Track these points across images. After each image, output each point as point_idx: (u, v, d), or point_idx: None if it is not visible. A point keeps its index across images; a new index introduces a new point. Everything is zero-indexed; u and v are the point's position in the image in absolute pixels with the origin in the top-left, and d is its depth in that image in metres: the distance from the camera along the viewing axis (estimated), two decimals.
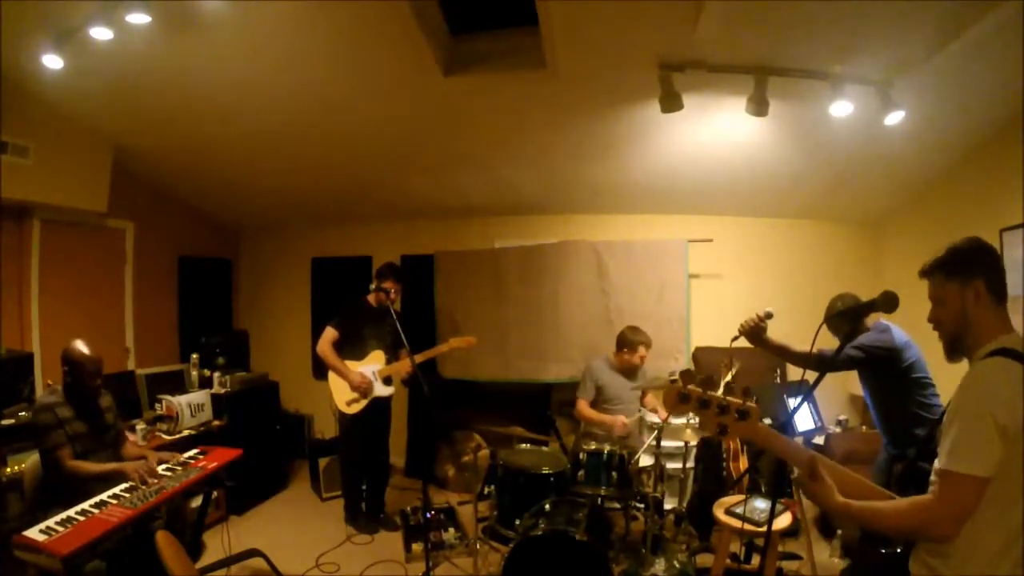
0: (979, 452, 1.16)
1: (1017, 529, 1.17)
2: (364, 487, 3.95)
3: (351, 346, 3.80)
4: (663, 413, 3.72)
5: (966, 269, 1.36)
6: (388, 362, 3.86)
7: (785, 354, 2.47)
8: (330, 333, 3.76)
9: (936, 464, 1.25)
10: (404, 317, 3.54)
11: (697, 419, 1.50)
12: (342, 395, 3.73)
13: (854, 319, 2.40)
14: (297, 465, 4.91)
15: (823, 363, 2.27)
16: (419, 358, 3.59)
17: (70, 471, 2.49)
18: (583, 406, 3.76)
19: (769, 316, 2.30)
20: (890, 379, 2.51)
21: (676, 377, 3.73)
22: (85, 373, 2.62)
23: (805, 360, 2.46)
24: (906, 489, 1.38)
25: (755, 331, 2.32)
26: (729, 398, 1.42)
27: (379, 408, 3.86)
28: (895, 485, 1.30)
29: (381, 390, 3.82)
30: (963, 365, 1.41)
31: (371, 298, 3.86)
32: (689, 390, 1.44)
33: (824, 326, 1.89)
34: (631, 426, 3.64)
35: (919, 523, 1.23)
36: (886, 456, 2.60)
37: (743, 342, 2.36)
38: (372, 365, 3.80)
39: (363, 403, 3.73)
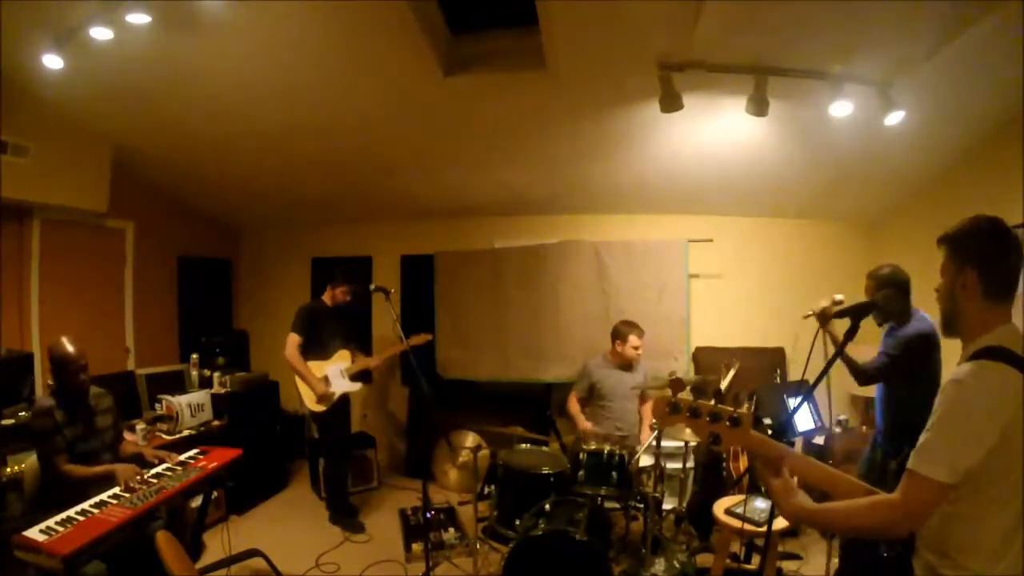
0: (946, 458, 1.15)
1: (1015, 527, 1.17)
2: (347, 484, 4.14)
3: (315, 347, 3.90)
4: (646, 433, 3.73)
5: (963, 253, 1.29)
6: (354, 359, 4.04)
7: (842, 356, 2.35)
8: (294, 339, 3.86)
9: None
10: (404, 317, 3.58)
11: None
12: (311, 395, 3.84)
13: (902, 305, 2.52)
14: (297, 465, 4.90)
15: (867, 376, 2.46)
16: (376, 359, 4.15)
17: (64, 475, 2.50)
18: (571, 401, 3.92)
19: (839, 304, 2.50)
20: (918, 373, 2.46)
21: (675, 376, 3.76)
22: (68, 371, 2.60)
23: (853, 369, 2.59)
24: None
25: (824, 316, 2.53)
26: (720, 406, 1.37)
27: (343, 403, 4.03)
28: (892, 481, 1.28)
29: (348, 387, 3.97)
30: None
31: (327, 298, 4.01)
32: (679, 399, 1.38)
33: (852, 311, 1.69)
34: (594, 433, 3.62)
35: (880, 521, 1.22)
36: (879, 452, 2.61)
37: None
38: (339, 364, 3.97)
39: (331, 400, 3.87)
